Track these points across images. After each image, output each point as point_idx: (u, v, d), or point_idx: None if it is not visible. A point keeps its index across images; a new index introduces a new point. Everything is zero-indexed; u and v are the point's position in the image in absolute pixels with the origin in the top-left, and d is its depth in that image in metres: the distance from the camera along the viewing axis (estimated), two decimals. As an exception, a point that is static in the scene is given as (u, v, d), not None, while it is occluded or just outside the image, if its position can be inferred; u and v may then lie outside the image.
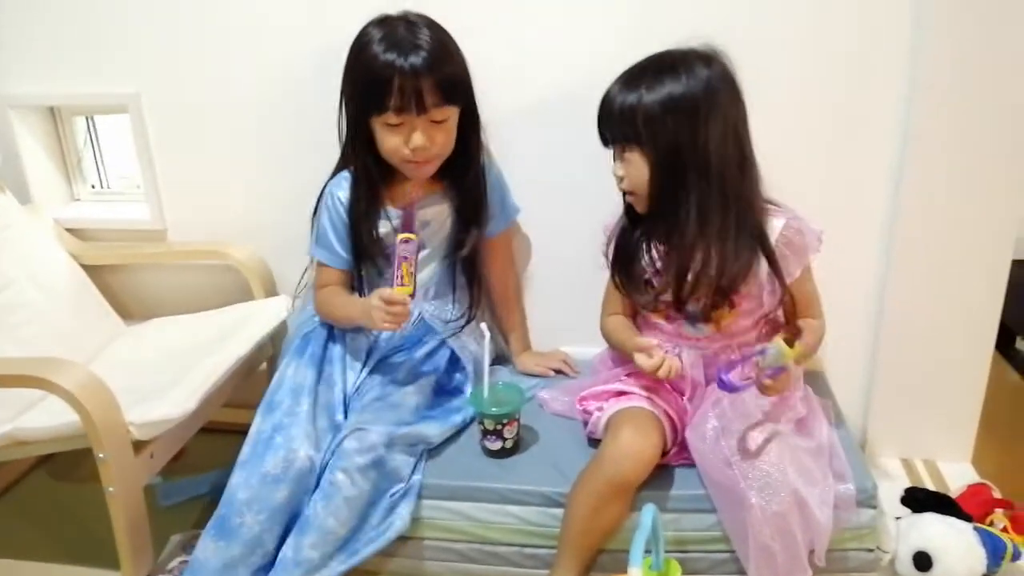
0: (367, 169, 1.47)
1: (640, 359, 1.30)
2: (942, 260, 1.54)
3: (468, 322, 1.58)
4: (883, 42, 1.47)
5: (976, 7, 1.39)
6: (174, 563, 1.45)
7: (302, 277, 1.62)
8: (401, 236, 1.37)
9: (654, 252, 1.36)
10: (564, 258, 1.70)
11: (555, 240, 1.71)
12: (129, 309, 1.90)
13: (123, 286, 1.91)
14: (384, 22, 1.40)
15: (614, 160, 1.35)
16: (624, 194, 1.37)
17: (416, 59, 1.34)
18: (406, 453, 1.36)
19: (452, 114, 1.42)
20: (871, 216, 1.57)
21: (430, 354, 1.56)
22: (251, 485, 1.29)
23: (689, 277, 1.31)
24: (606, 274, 1.47)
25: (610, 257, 1.43)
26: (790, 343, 1.20)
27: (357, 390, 1.49)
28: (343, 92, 1.46)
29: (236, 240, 1.80)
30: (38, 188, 1.87)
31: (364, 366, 1.52)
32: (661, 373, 1.28)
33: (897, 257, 1.56)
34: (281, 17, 1.64)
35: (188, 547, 1.44)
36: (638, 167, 1.29)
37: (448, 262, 1.57)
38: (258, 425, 1.38)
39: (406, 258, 1.36)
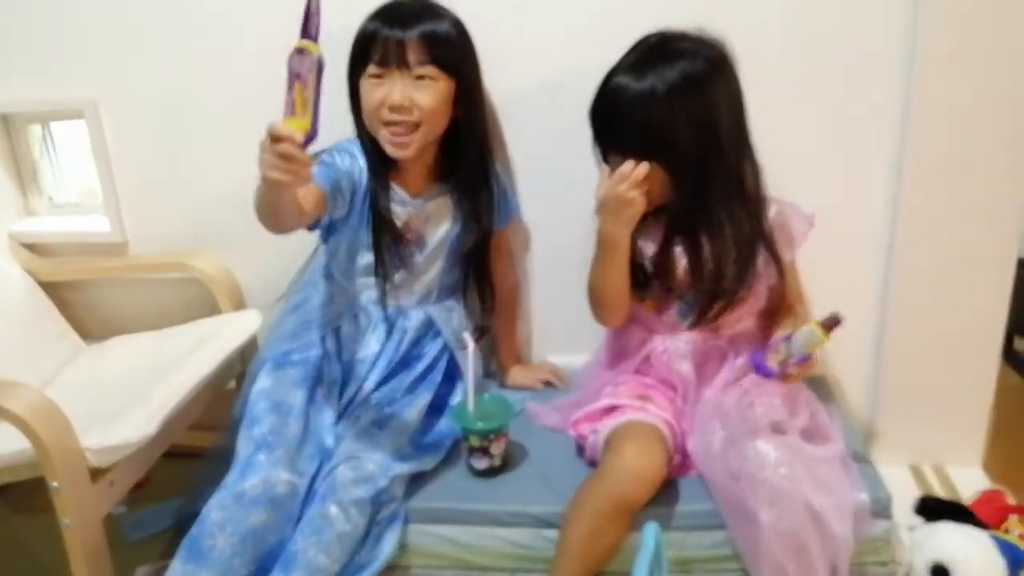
0: (370, 146, 1.40)
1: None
2: (945, 262, 1.51)
3: (483, 335, 1.50)
4: (881, 37, 1.43)
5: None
6: (140, 598, 1.37)
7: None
8: (297, 45, 1.04)
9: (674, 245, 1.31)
10: (553, 262, 1.64)
11: (544, 243, 1.65)
12: (88, 327, 1.81)
13: (82, 303, 1.83)
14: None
15: (610, 159, 1.29)
16: None
17: (405, 15, 1.32)
18: (402, 484, 1.29)
19: (439, 78, 1.34)
20: (872, 220, 1.53)
21: (429, 368, 1.48)
22: (225, 505, 1.21)
23: (724, 269, 1.27)
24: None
25: None
26: (825, 327, 1.14)
27: (350, 409, 1.41)
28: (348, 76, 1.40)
29: (201, 252, 1.72)
30: (-10, 201, 1.78)
31: (362, 384, 1.44)
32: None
33: (899, 260, 1.53)
34: (245, 17, 1.57)
35: (155, 579, 1.36)
36: (654, 175, 1.23)
37: (454, 261, 1.51)
38: (242, 443, 1.29)
39: (299, 76, 1.04)
